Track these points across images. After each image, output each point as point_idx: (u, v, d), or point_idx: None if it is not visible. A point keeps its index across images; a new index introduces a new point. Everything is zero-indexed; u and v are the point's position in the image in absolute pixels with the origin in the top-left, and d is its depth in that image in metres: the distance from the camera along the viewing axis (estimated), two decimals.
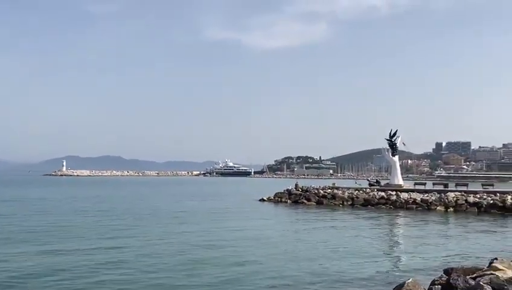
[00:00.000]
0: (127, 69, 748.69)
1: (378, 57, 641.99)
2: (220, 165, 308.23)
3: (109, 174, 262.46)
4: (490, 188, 53.25)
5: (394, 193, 50.30)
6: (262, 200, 55.34)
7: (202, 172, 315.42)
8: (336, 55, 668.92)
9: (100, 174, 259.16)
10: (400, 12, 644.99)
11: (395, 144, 61.27)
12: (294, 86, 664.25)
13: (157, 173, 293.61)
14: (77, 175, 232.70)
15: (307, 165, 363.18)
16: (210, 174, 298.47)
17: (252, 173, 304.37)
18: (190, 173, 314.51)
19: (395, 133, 61.58)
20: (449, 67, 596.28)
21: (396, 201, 47.27)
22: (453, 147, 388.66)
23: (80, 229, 27.60)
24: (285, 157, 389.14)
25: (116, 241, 22.99)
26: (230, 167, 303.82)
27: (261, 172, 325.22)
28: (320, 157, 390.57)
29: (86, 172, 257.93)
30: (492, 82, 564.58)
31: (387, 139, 61.67)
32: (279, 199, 54.52)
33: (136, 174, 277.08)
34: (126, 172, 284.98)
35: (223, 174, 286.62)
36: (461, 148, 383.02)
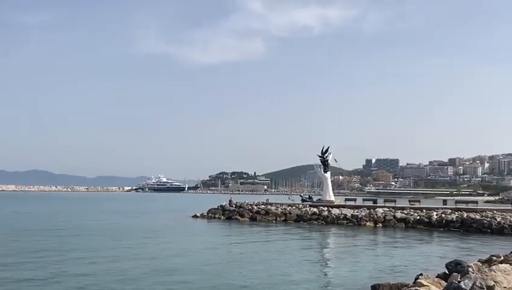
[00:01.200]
0: (54, 81, 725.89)
1: (311, 74, 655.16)
2: (153, 181, 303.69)
3: (36, 189, 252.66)
4: (417, 204, 55.20)
5: (326, 208, 51.17)
6: (195, 216, 54.73)
7: (134, 187, 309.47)
8: (271, 72, 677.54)
9: (27, 189, 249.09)
10: (332, 32, 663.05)
11: (327, 160, 62.62)
12: (232, 101, 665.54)
13: (87, 189, 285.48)
14: (2, 190, 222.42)
15: (242, 180, 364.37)
16: (142, 189, 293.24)
17: (186, 189, 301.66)
18: (122, 189, 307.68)
19: (327, 150, 63.00)
20: (379, 87, 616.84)
21: (327, 217, 48.03)
22: (382, 163, 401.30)
23: None
24: (220, 173, 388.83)
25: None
26: (163, 182, 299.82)
27: (195, 187, 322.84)
28: (255, 172, 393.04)
29: (11, 187, 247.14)
30: (420, 102, 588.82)
31: (320, 156, 62.96)
32: (213, 215, 54.13)
33: (65, 189, 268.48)
34: (54, 187, 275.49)
35: (156, 189, 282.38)
36: (390, 165, 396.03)
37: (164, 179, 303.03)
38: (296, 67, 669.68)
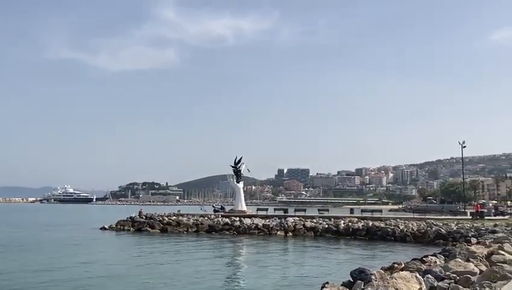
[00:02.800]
0: None
1: (224, 85, 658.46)
2: (59, 191, 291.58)
3: None
4: (326, 213, 56.70)
5: (238, 218, 51.31)
6: (103, 228, 52.93)
7: (39, 199, 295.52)
8: (185, 81, 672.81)
9: None
10: (244, 44, 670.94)
11: (240, 170, 63.01)
12: (143, 110, 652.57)
13: None
14: None
15: (153, 191, 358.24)
16: (47, 200, 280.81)
17: (94, 200, 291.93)
18: (25, 200, 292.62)
19: (240, 160, 63.35)
20: (292, 98, 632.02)
21: (239, 227, 48.18)
22: (294, 173, 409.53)
23: None
24: (130, 183, 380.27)
25: None
26: (70, 193, 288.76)
27: (104, 198, 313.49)
28: (167, 183, 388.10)
29: None
30: (329, 114, 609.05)
31: (232, 166, 63.21)
32: (122, 227, 52.60)
33: None
34: None
35: (62, 200, 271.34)
36: (301, 174, 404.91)
37: (71, 190, 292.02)
38: (210, 77, 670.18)
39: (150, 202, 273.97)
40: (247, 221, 49.80)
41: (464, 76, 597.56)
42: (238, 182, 62.65)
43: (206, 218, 53.17)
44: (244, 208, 61.15)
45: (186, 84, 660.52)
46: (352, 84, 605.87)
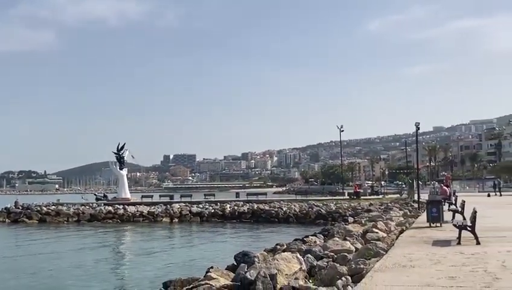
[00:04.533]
0: None
1: (104, 67, 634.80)
2: None
3: None
4: (212, 198, 56.96)
5: (121, 206, 50.02)
6: None
7: None
8: (64, 65, 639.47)
9: None
10: (127, 25, 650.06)
11: (123, 157, 61.31)
12: (19, 95, 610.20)
13: None
14: None
15: (30, 180, 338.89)
16: None
17: None
18: None
19: (122, 147, 61.65)
20: (175, 83, 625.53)
21: (123, 215, 47.00)
22: (180, 159, 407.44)
23: None
24: (5, 172, 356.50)
25: None
26: None
27: None
28: (45, 171, 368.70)
29: None
30: (214, 100, 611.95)
31: (115, 153, 61.37)
32: None
33: None
34: None
35: None
36: (187, 160, 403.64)
37: None
38: (90, 59, 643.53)
39: (27, 191, 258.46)
40: (132, 209, 48.70)
41: (338, 62, 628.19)
42: (121, 169, 60.95)
43: (87, 207, 51.24)
44: (128, 195, 59.71)
45: (66, 67, 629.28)
46: (235, 70, 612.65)
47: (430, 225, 17.70)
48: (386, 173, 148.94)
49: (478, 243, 12.33)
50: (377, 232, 17.51)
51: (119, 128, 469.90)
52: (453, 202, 26.45)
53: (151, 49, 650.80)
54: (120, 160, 61.10)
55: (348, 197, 56.08)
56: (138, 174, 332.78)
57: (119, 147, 61.46)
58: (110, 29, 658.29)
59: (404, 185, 72.67)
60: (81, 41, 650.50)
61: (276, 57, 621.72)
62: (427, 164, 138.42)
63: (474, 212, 13.17)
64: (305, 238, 19.30)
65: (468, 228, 12.78)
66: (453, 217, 18.89)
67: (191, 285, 11.07)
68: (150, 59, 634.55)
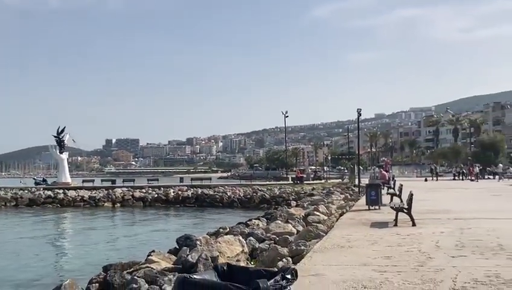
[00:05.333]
0: None
1: (50, 49, 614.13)
2: None
3: None
4: (155, 183, 56.40)
5: (62, 191, 48.78)
6: None
7: None
8: (6, 45, 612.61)
9: None
10: (71, 7, 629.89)
11: (63, 141, 59.74)
12: None
13: None
14: None
15: None
16: None
17: None
18: None
19: (63, 130, 60.03)
20: (122, 67, 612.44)
21: (63, 199, 45.82)
22: (123, 143, 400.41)
23: None
24: None
25: None
26: None
27: None
28: None
29: None
30: (159, 84, 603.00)
31: (55, 136, 59.72)
32: None
33: None
34: None
35: None
36: (130, 144, 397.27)
37: None
38: (32, 39, 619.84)
39: None
40: (72, 193, 47.54)
41: (283, 48, 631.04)
42: (61, 153, 59.35)
43: (26, 191, 49.67)
44: (69, 180, 58.27)
45: (6, 48, 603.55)
46: (182, 54, 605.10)
47: (369, 207, 18.19)
48: (329, 158, 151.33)
49: (414, 224, 12.78)
50: (318, 215, 17.86)
51: (60, 111, 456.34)
52: (392, 186, 27.28)
53: (95, 31, 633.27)
54: (60, 144, 59.48)
55: (291, 182, 56.80)
56: (79, 158, 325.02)
57: (59, 131, 59.82)
58: (51, 10, 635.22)
59: (346, 170, 74.27)
60: (22, 22, 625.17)
61: (221, 42, 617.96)
62: (368, 149, 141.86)
63: (411, 195, 13.63)
64: (248, 222, 19.46)
65: (405, 210, 13.21)
66: (391, 200, 19.50)
67: (132, 269, 10.96)
68: (94, 41, 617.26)
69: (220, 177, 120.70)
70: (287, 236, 13.50)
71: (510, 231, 11.63)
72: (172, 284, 7.46)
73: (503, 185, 38.89)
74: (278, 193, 43.93)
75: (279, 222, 16.93)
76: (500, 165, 58.01)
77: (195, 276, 2.93)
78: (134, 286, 8.92)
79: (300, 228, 15.31)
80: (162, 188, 49.49)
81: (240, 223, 19.46)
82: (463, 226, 12.50)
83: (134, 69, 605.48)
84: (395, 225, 12.92)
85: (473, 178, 51.31)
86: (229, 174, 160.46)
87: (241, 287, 2.74)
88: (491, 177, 56.20)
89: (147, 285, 9.08)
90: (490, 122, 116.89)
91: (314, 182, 57.83)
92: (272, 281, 2.86)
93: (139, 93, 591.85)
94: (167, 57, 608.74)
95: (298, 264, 8.42)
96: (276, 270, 3.15)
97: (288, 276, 2.94)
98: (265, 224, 17.94)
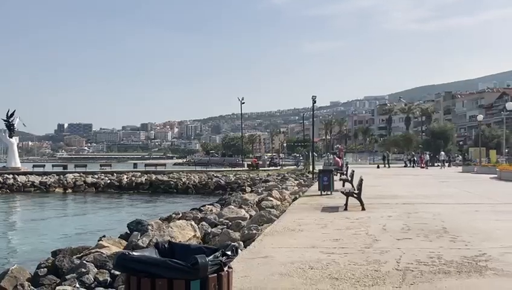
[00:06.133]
0: None
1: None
2: None
3: None
4: (108, 169, 55.53)
5: (11, 176, 47.47)
6: None
7: None
8: None
9: None
10: None
11: (13, 124, 58.06)
12: None
13: None
14: None
15: None
16: None
17: None
18: None
19: (12, 114, 58.29)
20: (73, 51, 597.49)
21: (13, 185, 44.66)
22: (75, 128, 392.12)
23: None
24: None
25: None
26: None
27: None
28: None
29: None
30: (116, 69, 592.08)
31: (4, 120, 57.98)
32: None
33: None
34: None
35: None
36: (83, 129, 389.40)
37: None
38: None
39: None
40: (22, 178, 46.36)
41: (241, 35, 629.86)
42: (11, 137, 57.65)
43: None
44: (19, 165, 56.66)
45: None
46: (134, 36, 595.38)
47: (321, 193, 18.46)
48: (285, 145, 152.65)
49: (363, 209, 13.06)
50: (271, 201, 18.04)
51: (10, 94, 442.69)
52: (345, 172, 27.79)
53: (46, 12, 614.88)
54: (10, 128, 57.75)
55: (247, 169, 57.01)
56: (30, 143, 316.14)
57: (9, 114, 58.05)
58: None
59: (301, 157, 75.02)
60: None
61: (176, 26, 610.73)
62: (323, 137, 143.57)
63: (361, 180, 13.92)
64: (201, 207, 19.46)
65: (355, 195, 13.49)
66: (343, 185, 19.85)
67: (82, 253, 10.82)
68: (45, 23, 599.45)
69: (176, 164, 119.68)
70: (240, 221, 13.59)
71: (454, 215, 12.05)
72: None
73: (452, 172, 40.16)
74: (233, 179, 44.02)
75: (233, 207, 17.02)
76: (442, 153, 59.71)
77: (134, 253, 2.95)
78: (83, 270, 8.84)
79: (254, 213, 15.43)
80: (115, 174, 48.85)
81: (193, 209, 19.46)
82: (410, 210, 12.87)
83: (87, 53, 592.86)
84: (345, 209, 13.17)
85: (423, 165, 52.75)
86: (185, 160, 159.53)
87: (180, 262, 2.78)
88: (441, 164, 57.94)
89: (96, 269, 9.01)
90: (441, 111, 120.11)
91: (270, 168, 58.21)
92: (211, 257, 2.91)
93: (92, 77, 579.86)
94: (120, 40, 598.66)
95: (248, 247, 8.51)
96: (217, 247, 3.19)
97: (229, 252, 3.00)
98: (219, 209, 17.99)
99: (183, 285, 2.83)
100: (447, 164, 54.99)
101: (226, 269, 3.01)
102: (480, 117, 52.61)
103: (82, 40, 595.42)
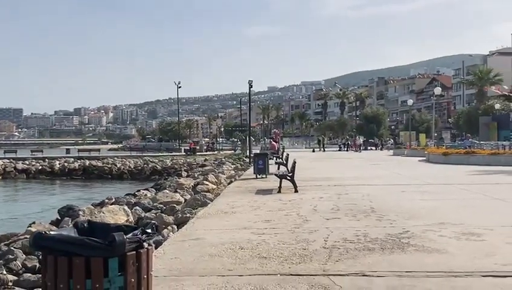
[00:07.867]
0: None
1: None
2: None
3: None
4: (39, 155, 53.80)
5: None
6: None
7: None
8: None
9: None
10: None
11: None
12: None
13: None
14: None
15: None
16: None
17: None
18: None
19: None
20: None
21: None
22: (5, 113, 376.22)
23: None
24: None
25: None
26: None
27: None
28: None
29: None
30: (38, 48, 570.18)
31: None
32: None
33: None
34: None
35: None
36: (13, 114, 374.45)
37: None
38: None
39: None
40: None
41: (178, 18, 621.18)
42: None
43: None
44: None
45: None
46: (63, 15, 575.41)
47: (256, 176, 18.66)
48: (223, 130, 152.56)
49: (296, 191, 13.32)
50: (207, 185, 18.09)
51: None
52: (281, 156, 28.16)
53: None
54: None
55: (184, 154, 56.68)
56: None
57: None
58: None
59: (238, 142, 75.25)
60: None
61: (117, 8, 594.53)
62: (261, 122, 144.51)
63: (294, 163, 14.19)
64: (136, 193, 19.26)
65: (288, 177, 13.73)
66: (278, 169, 20.15)
67: (10, 240, 10.52)
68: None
69: (110, 149, 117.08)
70: (174, 205, 13.57)
71: (382, 195, 12.50)
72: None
73: (383, 155, 41.50)
74: (169, 165, 43.66)
75: (168, 191, 16.95)
76: (359, 137, 61.60)
77: (51, 232, 2.92)
78: (10, 256, 8.63)
79: (189, 197, 15.43)
80: (47, 160, 47.43)
81: (127, 194, 19.23)
82: (341, 192, 13.24)
83: (15, 34, 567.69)
84: (279, 191, 13.39)
85: (356, 149, 54.21)
86: (120, 146, 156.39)
87: (97, 240, 2.78)
88: (373, 148, 59.70)
89: (24, 255, 8.81)
90: (374, 96, 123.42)
91: (207, 153, 58.15)
92: (129, 234, 2.93)
93: (22, 60, 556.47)
94: (48, 20, 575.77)
95: (180, 230, 8.54)
96: (138, 226, 3.20)
97: (149, 230, 3.02)
98: (154, 194, 17.87)
99: (101, 263, 2.84)
100: (373, 148, 56.66)
101: (146, 246, 3.04)
102: (410, 102, 54.56)
103: (11, 20, 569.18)
